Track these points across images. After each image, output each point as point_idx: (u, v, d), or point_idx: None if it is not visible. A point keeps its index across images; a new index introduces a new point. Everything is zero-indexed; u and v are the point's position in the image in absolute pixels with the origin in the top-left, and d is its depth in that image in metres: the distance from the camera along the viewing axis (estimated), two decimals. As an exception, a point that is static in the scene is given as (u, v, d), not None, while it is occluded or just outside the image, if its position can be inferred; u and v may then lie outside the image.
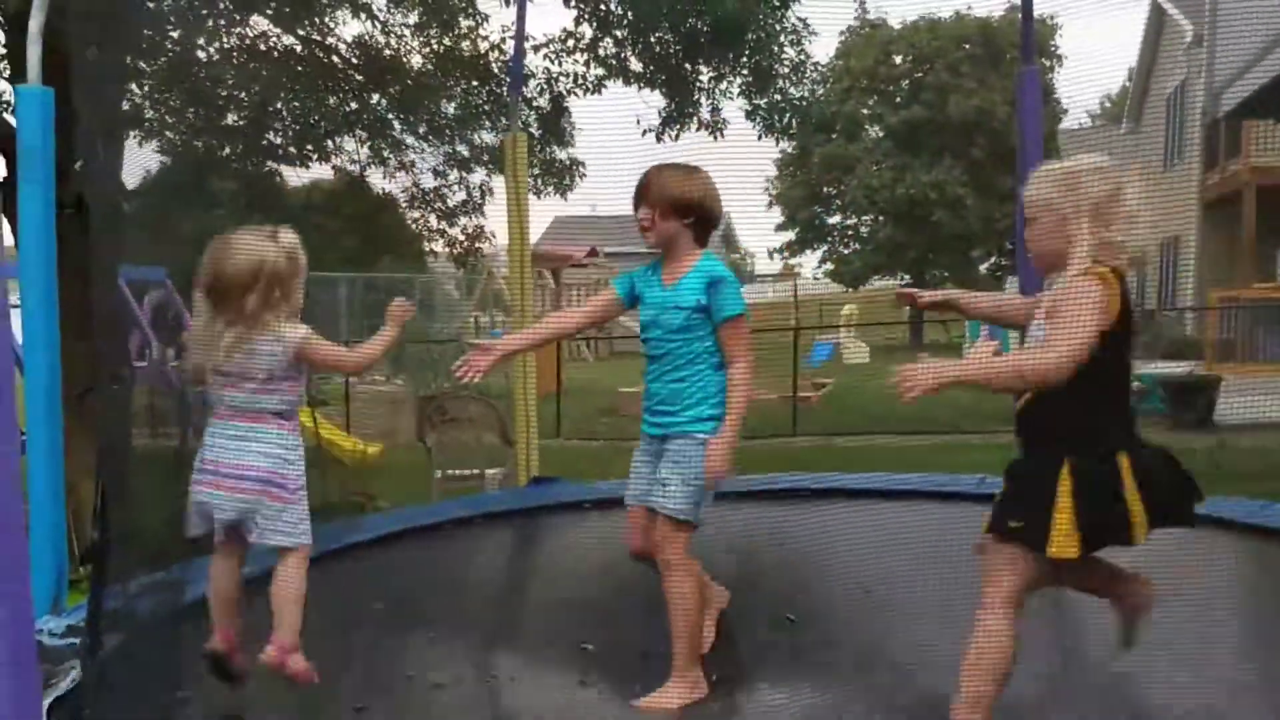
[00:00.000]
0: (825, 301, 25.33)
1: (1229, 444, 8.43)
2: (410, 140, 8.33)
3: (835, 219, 28.57)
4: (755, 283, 29.90)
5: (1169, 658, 2.82)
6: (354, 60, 7.72)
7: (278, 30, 7.26)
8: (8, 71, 6.22)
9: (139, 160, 6.28)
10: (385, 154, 8.35)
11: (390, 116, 8.09)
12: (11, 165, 4.65)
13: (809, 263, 29.62)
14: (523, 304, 5.83)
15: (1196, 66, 18.83)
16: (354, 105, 7.95)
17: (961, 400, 8.08)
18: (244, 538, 2.84)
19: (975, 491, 4.75)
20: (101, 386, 3.44)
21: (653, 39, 7.43)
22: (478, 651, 3.41)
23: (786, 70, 7.59)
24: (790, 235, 28.74)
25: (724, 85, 7.63)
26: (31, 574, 1.99)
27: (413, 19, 7.81)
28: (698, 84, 7.62)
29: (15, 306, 3.32)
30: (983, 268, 28.04)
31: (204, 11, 6.53)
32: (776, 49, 7.45)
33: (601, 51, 7.60)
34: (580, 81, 7.76)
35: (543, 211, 30.46)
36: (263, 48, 7.22)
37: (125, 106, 5.99)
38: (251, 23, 7.07)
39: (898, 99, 26.45)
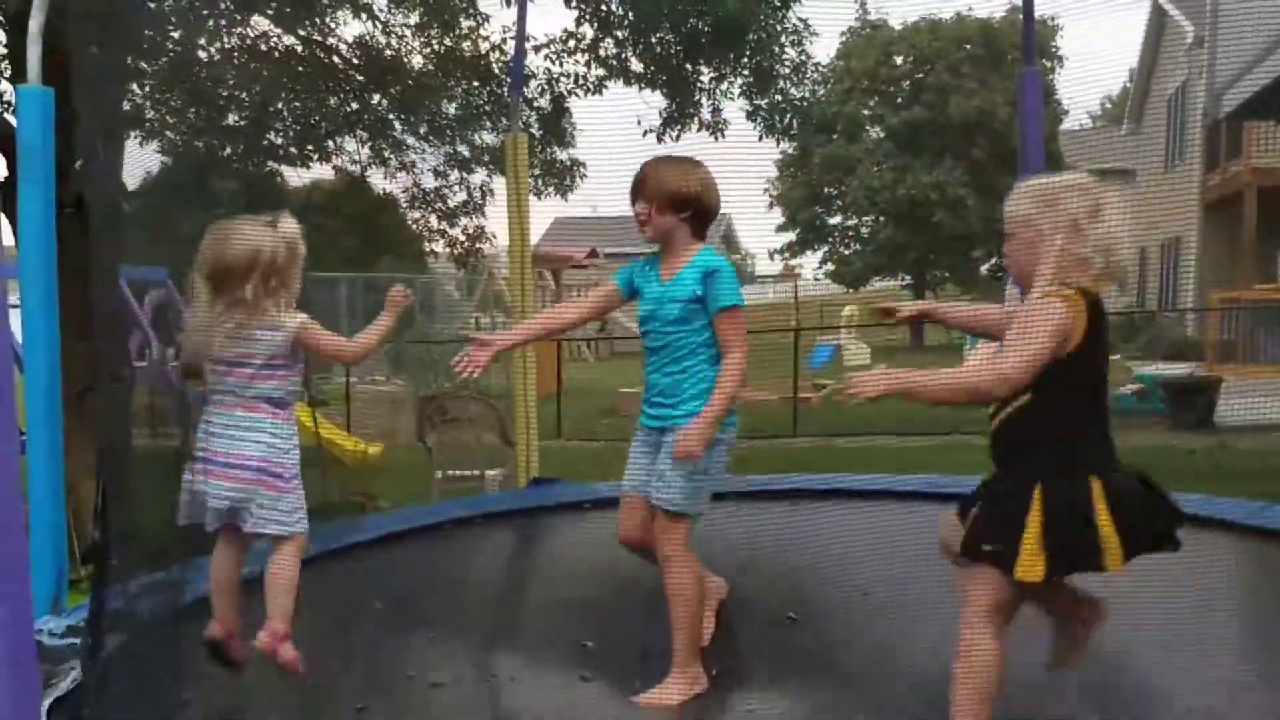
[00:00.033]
0: (826, 302, 25.31)
1: (1229, 445, 8.44)
2: (411, 140, 8.34)
3: (836, 220, 28.49)
4: (756, 283, 29.90)
5: (1169, 658, 2.82)
6: (355, 60, 7.72)
7: (278, 30, 7.26)
8: (8, 71, 6.23)
9: (139, 160, 6.29)
10: (386, 154, 8.36)
11: (391, 117, 8.10)
12: (12, 165, 4.66)
13: (809, 263, 29.59)
14: (523, 305, 5.82)
15: (1197, 67, 18.83)
16: (355, 105, 7.95)
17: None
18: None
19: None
20: (101, 386, 3.44)
21: (654, 39, 7.43)
22: (478, 651, 3.41)
23: (787, 71, 7.59)
24: (791, 236, 28.67)
25: (725, 86, 7.63)
26: (31, 574, 2.00)
27: (413, 19, 7.81)
28: (698, 84, 7.62)
29: (15, 306, 3.34)
30: (984, 269, 27.94)
31: (204, 11, 6.53)
32: (777, 49, 7.45)
33: (602, 52, 7.60)
34: (581, 82, 7.76)
35: (543, 212, 30.36)
36: (263, 48, 7.22)
37: (126, 106, 5.99)
38: (252, 23, 7.08)
39: (899, 100, 26.39)
